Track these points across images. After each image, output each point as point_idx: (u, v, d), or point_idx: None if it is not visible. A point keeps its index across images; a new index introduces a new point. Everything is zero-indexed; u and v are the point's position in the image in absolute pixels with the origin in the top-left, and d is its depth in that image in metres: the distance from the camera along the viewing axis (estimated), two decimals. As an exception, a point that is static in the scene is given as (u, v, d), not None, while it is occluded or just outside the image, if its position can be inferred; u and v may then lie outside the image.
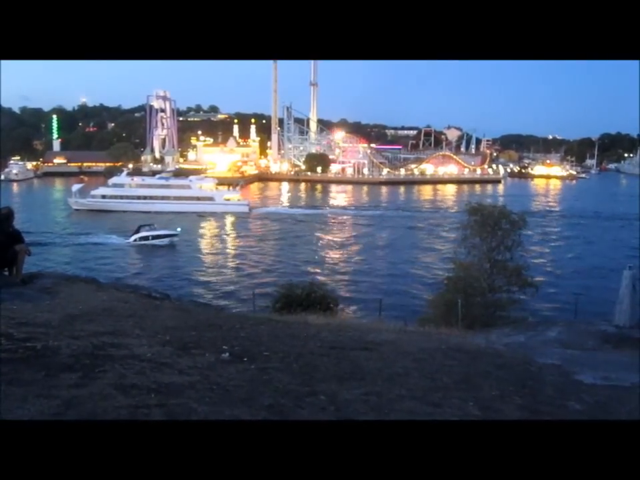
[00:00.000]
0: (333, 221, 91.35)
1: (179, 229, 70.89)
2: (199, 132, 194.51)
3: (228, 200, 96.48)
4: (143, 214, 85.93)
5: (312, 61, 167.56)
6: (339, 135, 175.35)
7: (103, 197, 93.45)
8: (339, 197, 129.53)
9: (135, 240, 66.43)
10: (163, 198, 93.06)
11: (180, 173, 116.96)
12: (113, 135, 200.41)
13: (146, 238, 66.33)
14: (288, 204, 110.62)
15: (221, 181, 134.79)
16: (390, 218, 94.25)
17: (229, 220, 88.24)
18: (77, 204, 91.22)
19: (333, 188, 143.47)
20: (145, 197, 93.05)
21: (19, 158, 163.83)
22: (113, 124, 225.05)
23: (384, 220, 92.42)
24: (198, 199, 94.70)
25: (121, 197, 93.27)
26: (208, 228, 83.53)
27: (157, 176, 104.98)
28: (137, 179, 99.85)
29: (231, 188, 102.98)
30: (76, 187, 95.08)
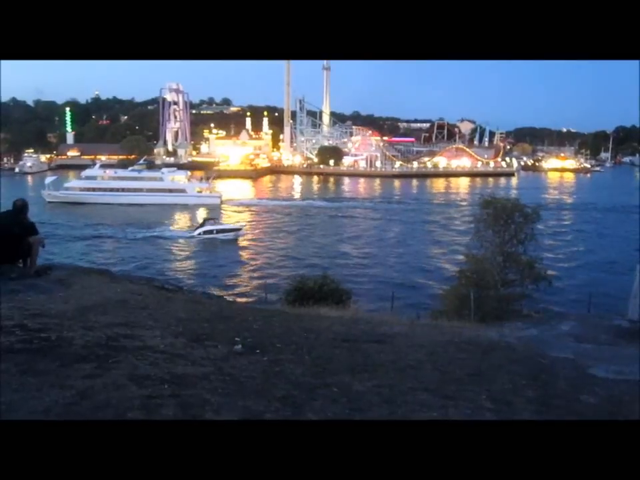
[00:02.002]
0: (306, 212, 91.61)
1: (243, 224, 71.35)
2: (212, 125, 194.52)
3: (200, 192, 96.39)
4: (116, 206, 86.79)
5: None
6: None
7: (76, 189, 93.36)
8: (339, 188, 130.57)
9: (199, 234, 66.36)
10: (135, 190, 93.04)
11: (151, 166, 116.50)
12: (126, 127, 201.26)
13: (210, 232, 66.21)
14: (263, 196, 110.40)
15: (234, 174, 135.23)
16: (363, 210, 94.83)
17: (202, 212, 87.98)
18: (50, 196, 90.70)
19: (346, 181, 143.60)
20: (117, 189, 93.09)
21: (32, 151, 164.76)
22: (126, 117, 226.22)
23: (355, 211, 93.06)
24: (170, 190, 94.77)
25: (94, 189, 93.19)
26: (182, 219, 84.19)
27: (130, 168, 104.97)
28: (110, 171, 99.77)
29: (203, 180, 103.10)
30: (49, 179, 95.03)
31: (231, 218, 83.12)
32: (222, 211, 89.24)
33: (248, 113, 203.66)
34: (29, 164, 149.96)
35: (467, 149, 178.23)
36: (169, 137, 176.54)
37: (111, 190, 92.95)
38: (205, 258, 58.02)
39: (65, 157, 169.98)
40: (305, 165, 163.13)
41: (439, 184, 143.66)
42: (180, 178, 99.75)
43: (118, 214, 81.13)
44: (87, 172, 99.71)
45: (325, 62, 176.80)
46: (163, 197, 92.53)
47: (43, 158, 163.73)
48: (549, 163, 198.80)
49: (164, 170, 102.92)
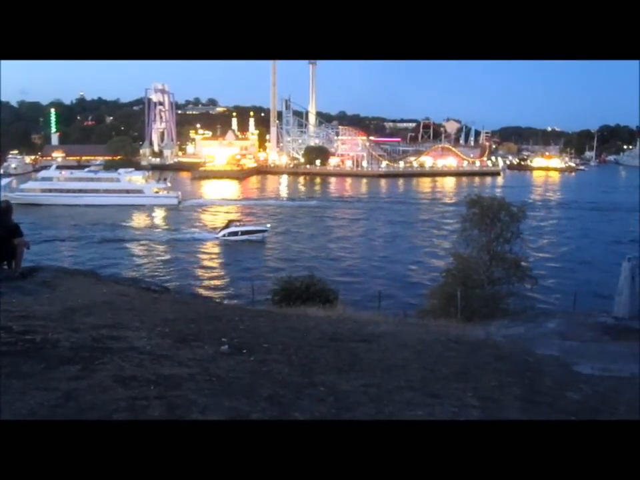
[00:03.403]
0: (266, 211, 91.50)
1: (268, 225, 70.26)
2: (198, 125, 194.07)
3: (157, 192, 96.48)
4: (72, 207, 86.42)
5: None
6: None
7: (32, 190, 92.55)
8: (319, 187, 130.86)
9: (224, 235, 65.65)
10: (92, 191, 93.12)
11: (110, 166, 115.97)
12: (111, 128, 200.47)
13: (235, 233, 65.49)
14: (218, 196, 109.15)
15: (220, 174, 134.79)
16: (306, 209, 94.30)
17: (159, 212, 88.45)
18: (6, 198, 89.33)
19: (332, 180, 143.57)
20: (74, 190, 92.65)
21: (17, 152, 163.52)
22: (111, 117, 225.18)
23: (300, 211, 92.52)
24: (127, 191, 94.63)
25: (50, 191, 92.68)
26: (141, 219, 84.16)
27: (86, 169, 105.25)
28: (66, 172, 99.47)
29: (160, 180, 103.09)
30: (5, 181, 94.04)
31: (177, 218, 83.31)
32: (179, 211, 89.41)
33: (234, 113, 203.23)
34: (13, 165, 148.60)
35: (453, 149, 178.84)
36: (155, 138, 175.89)
37: (68, 191, 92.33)
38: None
39: (50, 158, 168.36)
40: (291, 165, 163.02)
41: (425, 183, 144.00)
42: (137, 179, 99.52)
43: (87, 215, 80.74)
44: (43, 173, 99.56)
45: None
46: (119, 197, 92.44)
47: (28, 159, 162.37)
48: (535, 162, 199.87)
49: (121, 171, 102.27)
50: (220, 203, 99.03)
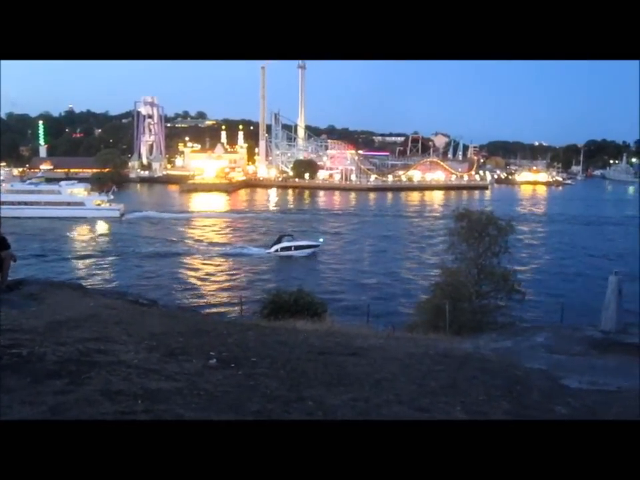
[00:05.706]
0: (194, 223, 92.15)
1: (321, 239, 68.67)
2: (187, 138, 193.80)
3: (99, 205, 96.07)
4: (13, 219, 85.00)
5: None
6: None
7: None
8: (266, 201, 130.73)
9: (277, 250, 64.10)
10: (33, 203, 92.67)
11: (51, 179, 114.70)
12: (100, 141, 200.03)
13: (288, 248, 64.10)
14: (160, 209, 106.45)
15: (209, 187, 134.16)
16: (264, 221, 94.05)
17: (101, 224, 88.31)
18: None
19: (320, 193, 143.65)
20: (14, 203, 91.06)
21: (4, 164, 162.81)
22: (100, 130, 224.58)
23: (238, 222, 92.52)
24: (68, 204, 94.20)
25: None
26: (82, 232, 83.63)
27: (27, 181, 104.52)
28: (6, 185, 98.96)
29: (104, 192, 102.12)
30: None
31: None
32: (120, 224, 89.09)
33: (223, 127, 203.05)
34: (1, 177, 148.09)
35: (441, 163, 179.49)
36: (144, 151, 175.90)
37: (11, 203, 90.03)
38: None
39: (38, 170, 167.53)
40: (280, 179, 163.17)
41: (414, 197, 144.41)
42: (79, 191, 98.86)
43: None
44: None
45: (300, 60, 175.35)
46: (61, 210, 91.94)
47: (16, 171, 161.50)
48: (522, 176, 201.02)
49: (62, 183, 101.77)
50: (169, 216, 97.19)
